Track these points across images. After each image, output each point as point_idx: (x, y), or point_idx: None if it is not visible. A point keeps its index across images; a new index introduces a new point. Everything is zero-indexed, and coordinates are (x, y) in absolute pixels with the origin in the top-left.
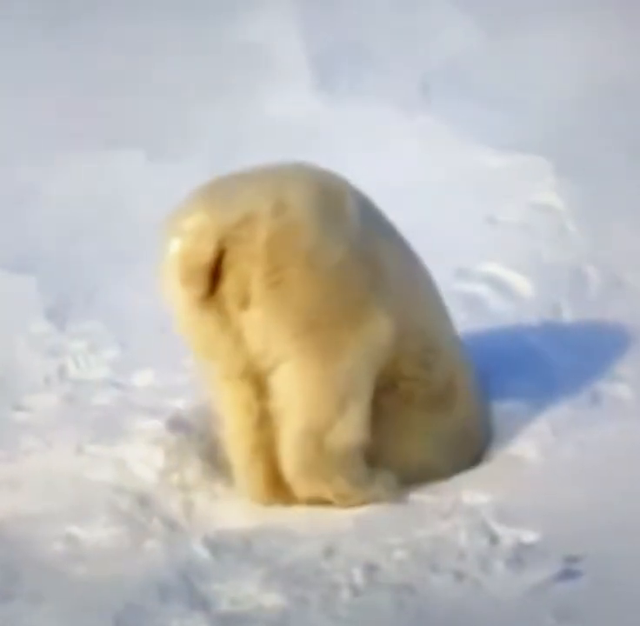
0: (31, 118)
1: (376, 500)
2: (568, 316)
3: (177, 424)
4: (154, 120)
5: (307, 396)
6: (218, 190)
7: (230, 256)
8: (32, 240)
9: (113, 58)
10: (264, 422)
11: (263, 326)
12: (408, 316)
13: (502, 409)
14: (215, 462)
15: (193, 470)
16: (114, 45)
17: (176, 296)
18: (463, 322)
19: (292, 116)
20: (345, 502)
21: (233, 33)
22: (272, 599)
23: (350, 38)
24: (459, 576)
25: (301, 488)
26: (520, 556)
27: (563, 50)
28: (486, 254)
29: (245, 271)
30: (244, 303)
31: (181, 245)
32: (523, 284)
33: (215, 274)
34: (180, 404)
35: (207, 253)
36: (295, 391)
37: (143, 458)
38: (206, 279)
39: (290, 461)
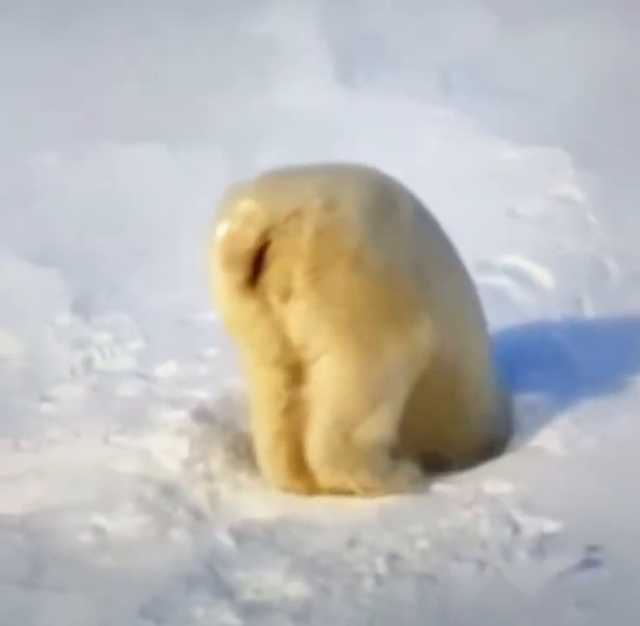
0: (53, 113)
1: (398, 491)
2: (589, 308)
3: (201, 415)
4: (172, 114)
5: (341, 389)
6: (272, 182)
7: (275, 247)
8: (56, 233)
9: (132, 52)
10: (292, 409)
11: (304, 319)
12: (446, 331)
13: (524, 400)
14: (238, 452)
15: (217, 460)
16: (132, 38)
17: (216, 280)
18: (485, 313)
19: (311, 109)
20: (368, 493)
21: (251, 26)
22: (296, 588)
23: (369, 31)
24: (481, 565)
25: (325, 476)
26: (542, 546)
27: (582, 43)
28: (507, 246)
29: (288, 264)
30: (286, 295)
31: (227, 229)
32: (543, 276)
33: (258, 263)
34: (203, 395)
35: (251, 240)
36: (330, 382)
37: (168, 449)
38: (247, 266)
39: (316, 449)
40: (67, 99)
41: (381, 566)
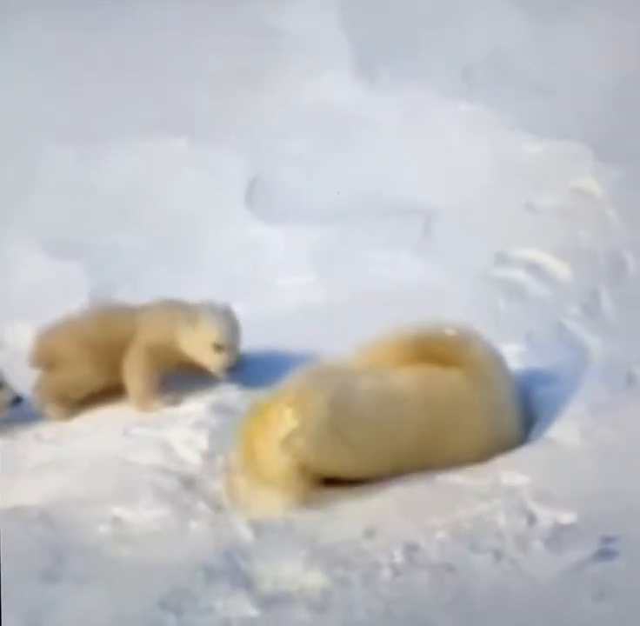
0: (73, 107)
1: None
2: (606, 301)
3: (220, 408)
4: (193, 108)
5: None
6: None
7: None
8: (78, 228)
9: (152, 45)
10: None
11: None
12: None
13: (540, 392)
14: None
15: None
16: (152, 32)
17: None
18: (502, 307)
19: (333, 103)
20: None
21: (274, 20)
22: (314, 579)
23: (392, 25)
24: (498, 555)
25: None
26: (558, 537)
27: (605, 37)
28: (525, 240)
29: None
30: None
31: None
32: (561, 270)
33: None
34: (222, 387)
35: None
36: None
37: (188, 441)
38: None
39: None
40: (87, 93)
41: (399, 556)
